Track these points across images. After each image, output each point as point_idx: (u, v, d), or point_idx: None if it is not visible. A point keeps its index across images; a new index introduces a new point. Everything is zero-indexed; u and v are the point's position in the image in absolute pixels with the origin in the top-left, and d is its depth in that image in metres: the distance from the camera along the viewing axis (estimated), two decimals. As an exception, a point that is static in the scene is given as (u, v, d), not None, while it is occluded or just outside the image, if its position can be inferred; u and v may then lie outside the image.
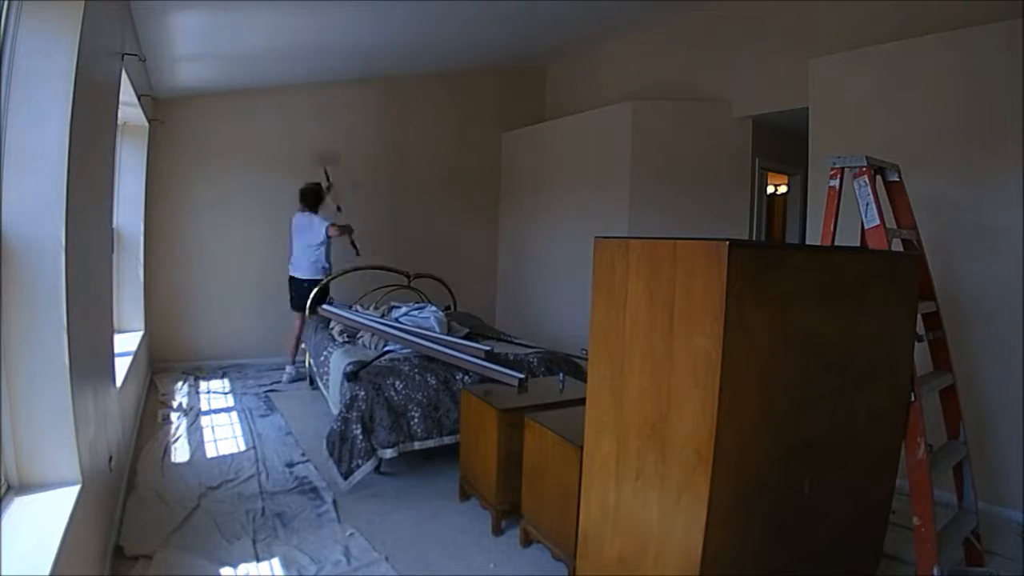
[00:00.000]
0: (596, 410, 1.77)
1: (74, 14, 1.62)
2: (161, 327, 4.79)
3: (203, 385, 4.48)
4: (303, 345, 4.60)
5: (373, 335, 3.63)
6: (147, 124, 4.08)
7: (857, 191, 2.18)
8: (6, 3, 1.49)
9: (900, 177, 2.34)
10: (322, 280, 4.58)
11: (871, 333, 1.86)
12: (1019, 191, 2.67)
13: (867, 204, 2.15)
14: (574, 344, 4.76)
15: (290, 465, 3.06)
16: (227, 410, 3.95)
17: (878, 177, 2.33)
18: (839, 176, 2.23)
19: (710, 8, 4.61)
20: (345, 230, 4.61)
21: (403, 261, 5.18)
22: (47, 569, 1.25)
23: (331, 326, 4.07)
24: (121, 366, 2.95)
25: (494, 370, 3.03)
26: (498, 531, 2.44)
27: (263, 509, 2.56)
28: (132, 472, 2.86)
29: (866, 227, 2.16)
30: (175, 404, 3.95)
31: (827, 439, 1.75)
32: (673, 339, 1.48)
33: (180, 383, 4.46)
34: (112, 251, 3.38)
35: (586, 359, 1.86)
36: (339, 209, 4.99)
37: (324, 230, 4.52)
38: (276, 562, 2.16)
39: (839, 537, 1.90)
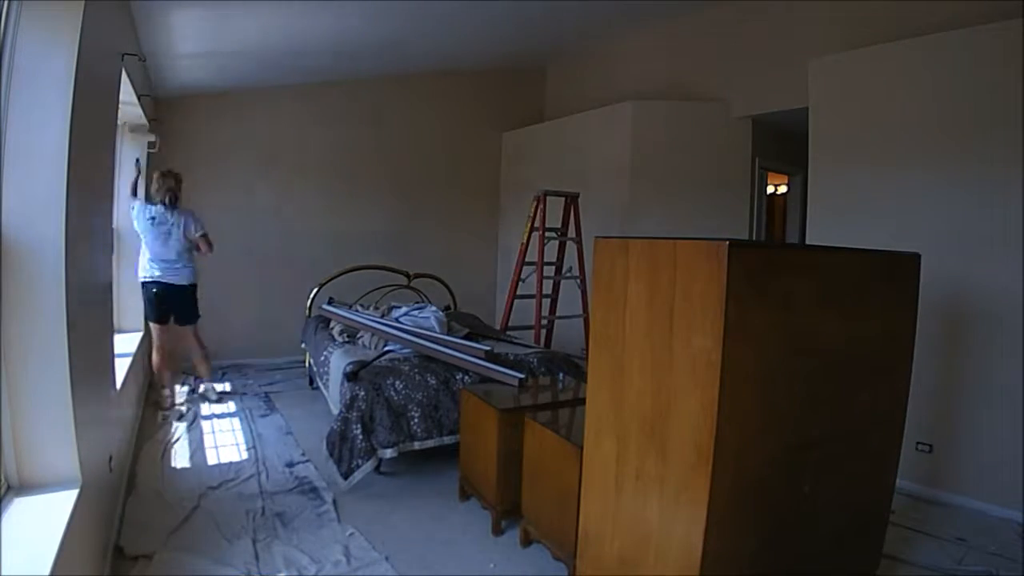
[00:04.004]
0: (596, 410, 1.77)
1: (74, 14, 1.62)
2: (161, 327, 4.78)
3: (203, 385, 4.47)
4: (303, 344, 4.59)
5: (373, 335, 3.63)
6: (147, 124, 4.07)
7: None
8: (6, 3, 1.49)
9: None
10: None
11: (870, 333, 1.86)
12: (1019, 191, 2.67)
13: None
14: (574, 344, 4.77)
15: (290, 465, 3.06)
16: (227, 410, 3.95)
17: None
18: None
19: (710, 8, 4.61)
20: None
21: (403, 261, 5.18)
22: (47, 569, 1.25)
23: (331, 326, 4.07)
24: (121, 366, 2.95)
25: (494, 370, 3.03)
26: (498, 531, 2.44)
27: (263, 509, 2.56)
28: (132, 472, 2.86)
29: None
30: (175, 404, 3.94)
31: (827, 439, 1.75)
32: (673, 339, 1.48)
33: (180, 383, 4.45)
34: (112, 251, 3.38)
35: (586, 359, 1.86)
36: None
37: None
38: (276, 562, 2.16)
39: (839, 537, 1.90)
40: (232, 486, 2.78)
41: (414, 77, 5.84)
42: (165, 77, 4.17)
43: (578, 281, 4.59)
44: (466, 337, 3.65)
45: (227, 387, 4.44)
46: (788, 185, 5.62)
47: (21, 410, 1.55)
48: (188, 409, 3.86)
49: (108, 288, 2.79)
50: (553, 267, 4.67)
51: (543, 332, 4.56)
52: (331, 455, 2.73)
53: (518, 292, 4.48)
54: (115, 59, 2.52)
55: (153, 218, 3.67)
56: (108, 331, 2.75)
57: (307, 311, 4.73)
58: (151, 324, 3.81)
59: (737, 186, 4.66)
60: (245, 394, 4.31)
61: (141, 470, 2.90)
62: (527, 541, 2.35)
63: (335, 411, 3.05)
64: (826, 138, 3.43)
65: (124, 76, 2.84)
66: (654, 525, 1.56)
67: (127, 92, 3.14)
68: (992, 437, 2.76)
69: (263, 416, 3.84)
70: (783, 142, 4.85)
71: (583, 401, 1.91)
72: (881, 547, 2.15)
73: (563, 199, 4.53)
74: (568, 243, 4.62)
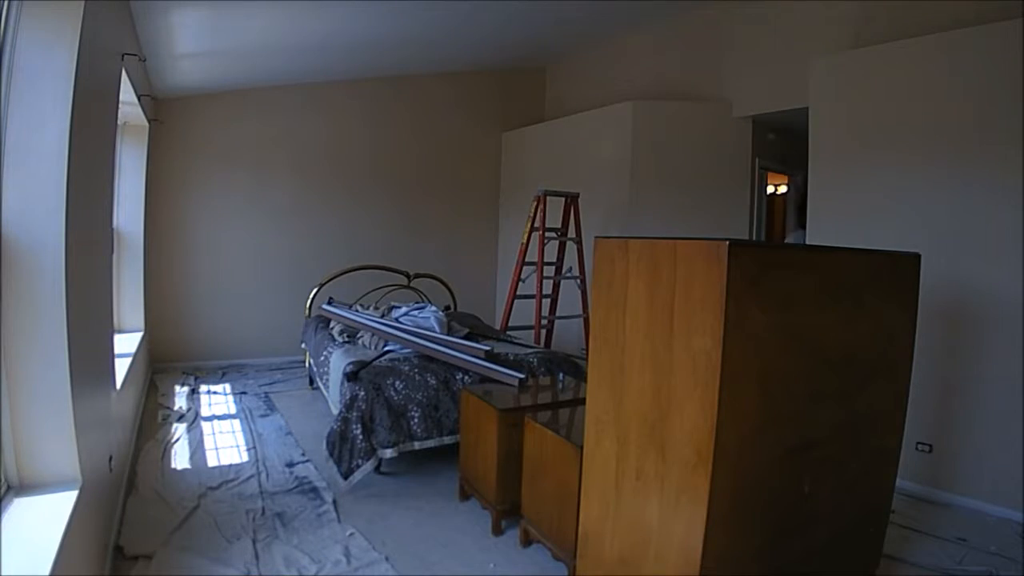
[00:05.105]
0: (596, 410, 1.77)
1: (74, 14, 1.62)
2: (161, 327, 4.79)
3: (203, 385, 4.48)
4: (304, 345, 4.59)
5: (373, 335, 3.63)
6: (147, 124, 4.07)
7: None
8: (6, 3, 1.49)
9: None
10: None
11: (871, 333, 1.86)
12: (1019, 191, 2.67)
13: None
14: (574, 344, 4.77)
15: (290, 465, 3.06)
16: (227, 410, 3.95)
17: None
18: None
19: (710, 8, 4.61)
20: None
21: (403, 261, 5.18)
22: (47, 569, 1.25)
23: (331, 326, 4.06)
24: (121, 366, 2.95)
25: (494, 370, 3.03)
26: (498, 531, 2.44)
27: (263, 509, 2.56)
28: (132, 472, 2.86)
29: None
30: (175, 404, 3.95)
31: (827, 439, 1.75)
32: (673, 339, 1.48)
33: (180, 383, 4.46)
34: (112, 251, 3.39)
35: (586, 359, 1.86)
36: None
37: None
38: (276, 562, 2.16)
39: (839, 537, 1.90)
40: (232, 486, 2.78)
41: (414, 77, 5.84)
42: (165, 77, 4.17)
43: (578, 281, 4.60)
44: (466, 337, 3.65)
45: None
46: (788, 185, 5.62)
47: (21, 410, 1.55)
48: (188, 409, 3.86)
49: (108, 288, 2.79)
50: (553, 267, 4.67)
51: (543, 332, 4.56)
52: (331, 455, 2.73)
53: (518, 292, 4.48)
54: (115, 59, 2.52)
55: None
56: (108, 331, 2.75)
57: (307, 311, 4.73)
58: None
59: (737, 186, 4.66)
60: (245, 394, 4.31)
61: (141, 470, 2.90)
62: (527, 541, 2.35)
63: (335, 411, 3.05)
64: (826, 138, 3.43)
65: (124, 76, 2.84)
66: (654, 525, 1.56)
67: (127, 92, 3.14)
68: (992, 437, 2.76)
69: (263, 416, 3.83)
70: (783, 142, 4.86)
71: (583, 401, 1.91)
72: (881, 547, 2.15)
73: (563, 199, 4.53)
74: (568, 243, 4.62)
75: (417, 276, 4.98)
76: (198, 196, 5.02)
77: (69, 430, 1.61)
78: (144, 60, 3.28)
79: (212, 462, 3.06)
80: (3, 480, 1.53)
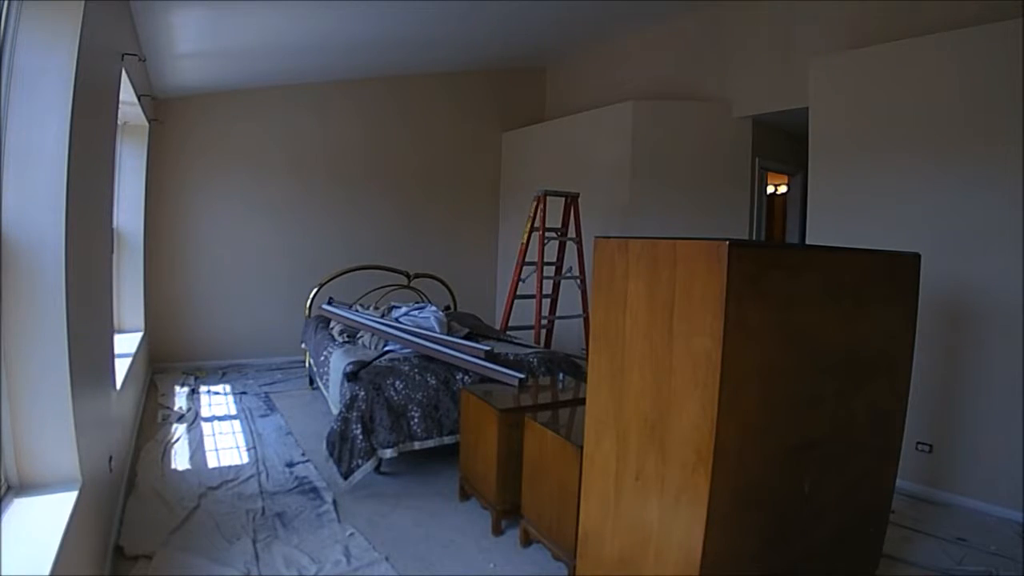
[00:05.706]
0: (596, 410, 1.77)
1: (74, 14, 1.62)
2: (161, 327, 4.79)
3: (203, 385, 4.48)
4: (304, 345, 4.59)
5: (373, 335, 3.63)
6: (147, 124, 4.07)
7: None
8: (6, 3, 1.49)
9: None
10: None
11: (871, 333, 1.86)
12: (1019, 191, 2.67)
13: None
14: (574, 344, 4.77)
15: (290, 465, 3.06)
16: (227, 410, 3.95)
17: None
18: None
19: (710, 8, 4.61)
20: None
21: (403, 261, 5.18)
22: (47, 569, 1.25)
23: (331, 326, 4.07)
24: (121, 366, 2.95)
25: (494, 370, 3.03)
26: (498, 531, 2.44)
27: (263, 509, 2.56)
28: (132, 472, 2.86)
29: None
30: (175, 404, 3.95)
31: (827, 439, 1.75)
32: (673, 339, 1.48)
33: (180, 384, 4.46)
34: (112, 251, 3.39)
35: (586, 359, 1.86)
36: None
37: None
38: (276, 562, 2.16)
39: (839, 537, 1.90)
40: (232, 486, 2.78)
41: (414, 77, 5.84)
42: (165, 77, 4.17)
43: (578, 281, 4.60)
44: (466, 337, 3.65)
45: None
46: (788, 185, 5.62)
47: (21, 410, 1.55)
48: (188, 409, 3.86)
49: (108, 288, 2.79)
50: (553, 267, 4.67)
51: (543, 332, 4.56)
52: (331, 455, 2.73)
53: (518, 292, 4.48)
54: (115, 59, 2.52)
55: None
56: (108, 331, 2.75)
57: (307, 311, 4.73)
58: None
59: (737, 186, 4.66)
60: (245, 394, 4.31)
61: (141, 470, 2.90)
62: (527, 541, 2.35)
63: (335, 411, 3.05)
64: (826, 138, 3.43)
65: (124, 76, 2.84)
66: (654, 525, 1.56)
67: (127, 92, 3.14)
68: (992, 437, 2.76)
69: (263, 416, 3.83)
70: (783, 142, 4.86)
71: (583, 401, 1.91)
72: (881, 547, 2.15)
73: (563, 199, 4.53)
74: (568, 243, 4.62)
75: (417, 276, 4.99)
76: (198, 196, 5.02)
77: (69, 430, 1.61)
78: (144, 60, 3.28)
79: (212, 462, 3.06)
80: (3, 480, 1.52)
